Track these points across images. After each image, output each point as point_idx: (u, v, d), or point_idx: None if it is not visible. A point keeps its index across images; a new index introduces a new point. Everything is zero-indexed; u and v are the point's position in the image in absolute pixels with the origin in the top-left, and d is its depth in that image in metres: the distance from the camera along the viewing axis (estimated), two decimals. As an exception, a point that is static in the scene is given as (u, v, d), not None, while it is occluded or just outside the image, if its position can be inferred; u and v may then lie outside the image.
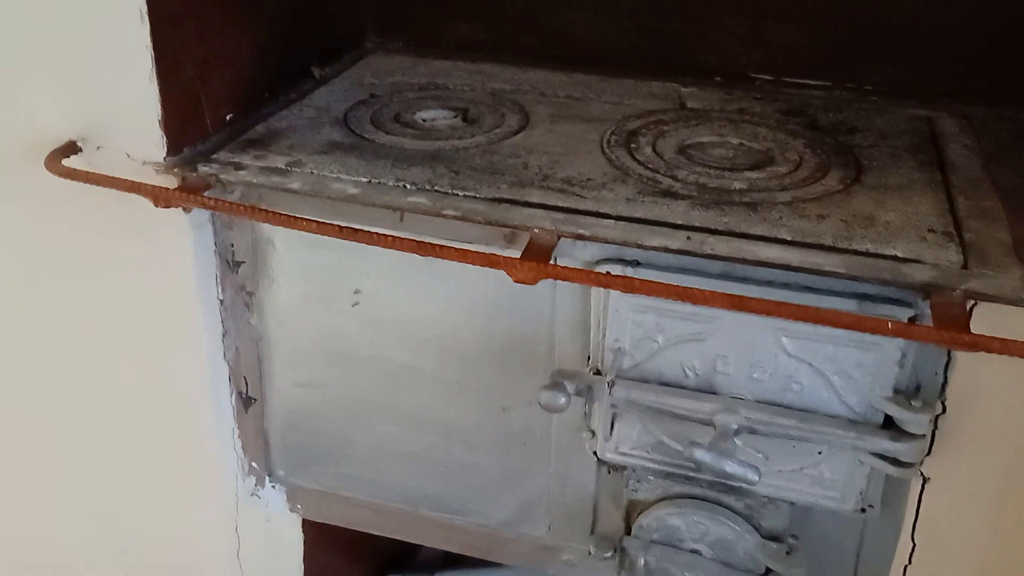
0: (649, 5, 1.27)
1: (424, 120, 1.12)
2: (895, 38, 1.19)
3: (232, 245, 1.04)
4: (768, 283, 0.85)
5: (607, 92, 1.22)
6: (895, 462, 0.85)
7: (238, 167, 0.98)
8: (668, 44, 1.28)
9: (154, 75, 0.93)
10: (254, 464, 1.16)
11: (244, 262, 1.04)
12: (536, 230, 0.88)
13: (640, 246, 0.86)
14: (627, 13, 1.28)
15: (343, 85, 1.22)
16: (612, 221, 0.89)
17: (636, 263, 0.89)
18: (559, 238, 0.87)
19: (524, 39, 1.34)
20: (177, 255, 1.02)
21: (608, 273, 0.87)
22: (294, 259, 1.02)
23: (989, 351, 0.70)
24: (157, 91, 0.93)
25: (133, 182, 0.93)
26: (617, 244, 0.87)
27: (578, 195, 0.93)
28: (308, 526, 1.21)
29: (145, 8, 0.90)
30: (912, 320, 0.81)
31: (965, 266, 0.81)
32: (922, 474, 0.87)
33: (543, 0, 1.31)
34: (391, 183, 0.95)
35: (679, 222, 0.88)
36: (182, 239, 1.01)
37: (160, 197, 0.91)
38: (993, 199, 0.93)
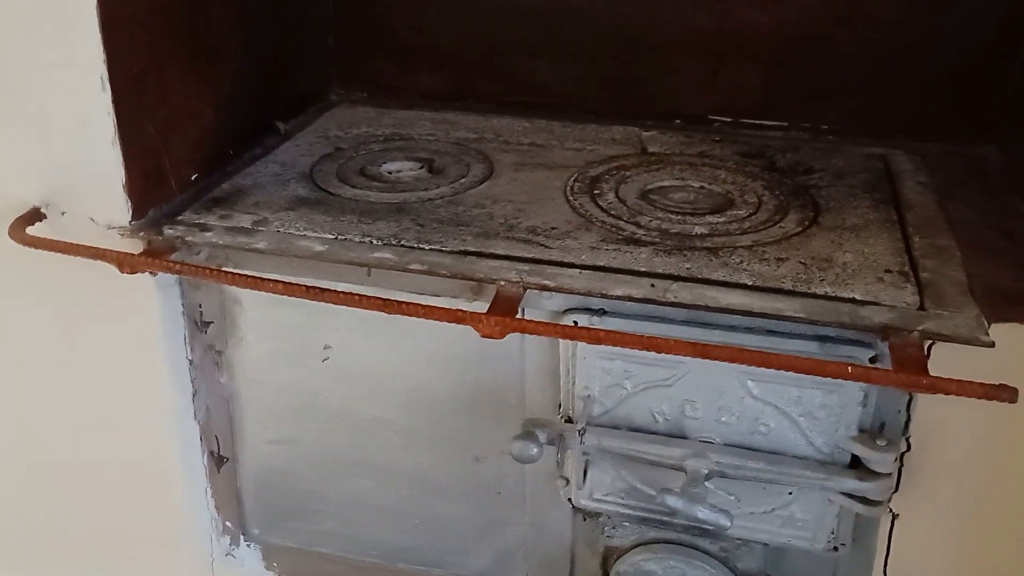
0: (609, 51, 1.29)
1: (390, 172, 1.13)
2: (848, 78, 1.22)
3: (200, 305, 1.03)
4: (732, 327, 0.86)
5: (569, 138, 1.24)
6: (864, 500, 0.86)
7: (203, 228, 0.98)
8: (628, 89, 1.31)
9: (117, 140, 0.93)
10: (228, 523, 1.14)
11: (212, 322, 1.04)
12: (502, 283, 0.89)
13: (605, 296, 0.87)
14: (588, 59, 1.31)
15: (308, 139, 1.23)
16: (577, 271, 0.90)
17: (602, 311, 0.90)
18: (525, 290, 0.88)
19: (487, 86, 1.36)
20: (144, 317, 1.02)
21: (575, 324, 0.88)
22: (262, 317, 1.02)
23: (947, 393, 0.71)
24: (120, 156, 0.94)
25: (98, 249, 0.93)
26: (582, 295, 0.88)
27: (543, 244, 0.95)
28: (284, 583, 1.19)
29: (106, 74, 0.90)
30: (873, 360, 0.83)
31: (922, 307, 0.82)
32: (891, 511, 0.88)
33: (505, 47, 1.33)
34: (357, 239, 0.96)
35: (643, 269, 0.90)
36: (149, 301, 1.01)
37: (125, 263, 0.91)
38: (948, 237, 0.95)
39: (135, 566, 1.20)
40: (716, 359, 0.78)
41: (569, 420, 0.94)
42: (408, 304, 0.84)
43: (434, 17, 1.34)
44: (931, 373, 0.74)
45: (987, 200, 1.05)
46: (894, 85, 1.21)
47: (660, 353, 0.86)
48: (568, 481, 0.98)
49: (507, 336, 0.88)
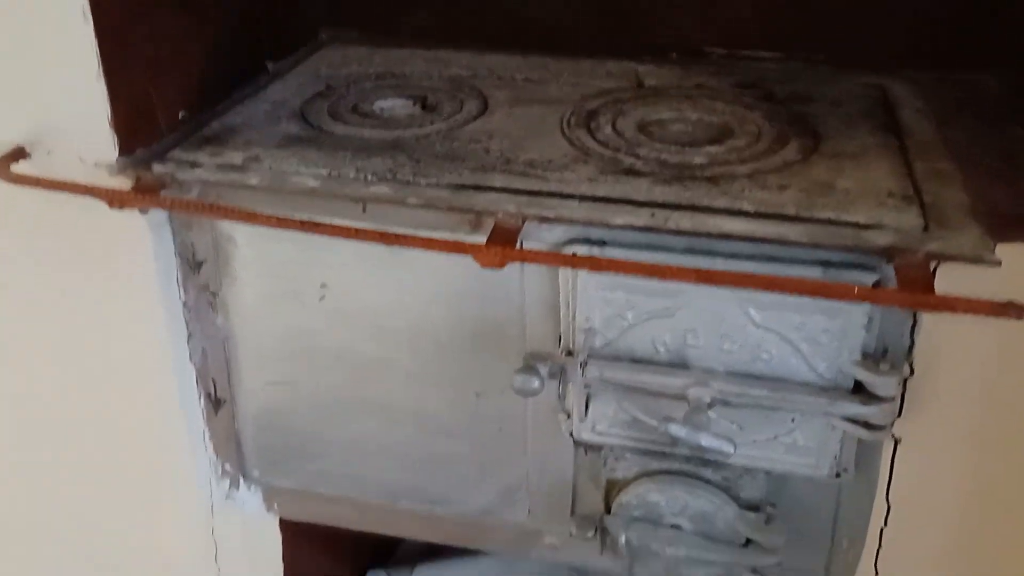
0: (603, -15, 1.27)
1: (382, 110, 1.11)
2: (844, 7, 1.20)
3: (192, 245, 1.02)
4: (733, 256, 0.85)
5: (565, 74, 1.21)
6: (866, 425, 0.86)
7: (194, 165, 0.96)
8: (624, 23, 1.28)
9: (101, 75, 0.91)
10: (227, 466, 1.14)
11: (205, 261, 1.02)
12: (501, 214, 0.87)
13: (605, 225, 0.86)
14: (581, -8, 1.28)
15: (298, 78, 1.21)
16: (576, 202, 0.89)
17: (602, 243, 0.89)
18: (524, 221, 0.87)
19: (480, 24, 1.32)
20: (136, 258, 1.00)
21: (575, 254, 0.87)
22: (257, 256, 1.01)
23: (954, 311, 0.71)
24: (105, 91, 0.91)
25: (86, 185, 0.91)
26: (582, 224, 0.87)
27: (541, 177, 0.93)
28: (286, 526, 1.19)
29: (88, 7, 0.88)
30: (876, 284, 0.82)
31: (926, 228, 0.81)
32: (893, 436, 0.88)
33: (497, -16, 1.30)
34: (352, 174, 0.94)
35: (642, 199, 0.88)
36: (140, 241, 0.99)
37: (115, 199, 0.89)
38: (948, 161, 0.94)
39: (134, 512, 1.20)
40: (719, 284, 0.78)
41: (570, 353, 0.94)
42: (406, 236, 0.83)
43: (424, -47, 1.31)
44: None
45: (985, 126, 1.04)
46: (890, 14, 1.19)
47: (662, 280, 0.85)
48: (570, 415, 0.97)
49: (507, 270, 0.88)
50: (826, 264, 0.83)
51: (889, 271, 0.80)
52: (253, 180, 0.93)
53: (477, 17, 1.33)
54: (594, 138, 1.01)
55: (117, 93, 0.92)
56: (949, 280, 0.78)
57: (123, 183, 0.94)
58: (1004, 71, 1.14)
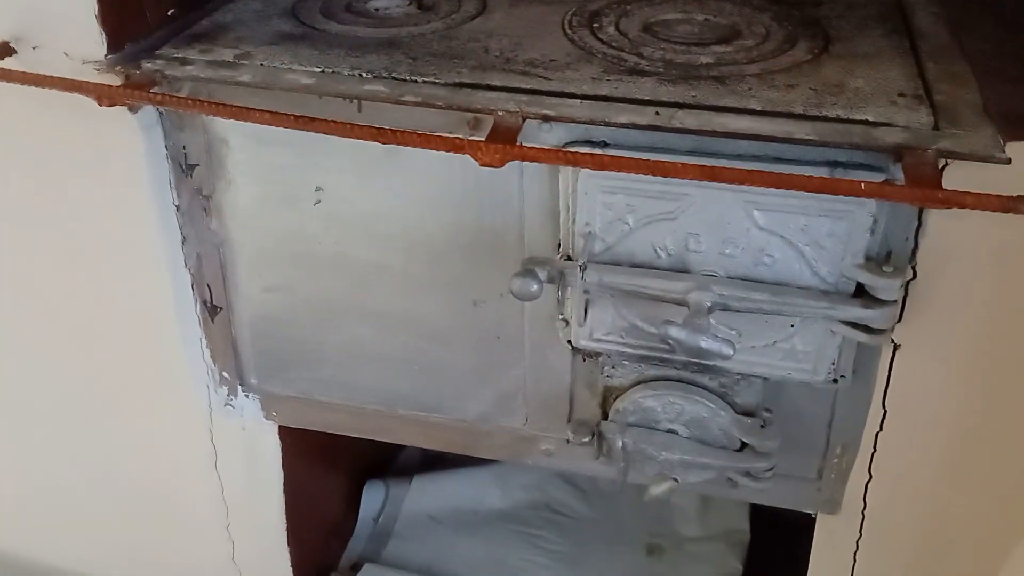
0: None
1: (377, 9, 1.07)
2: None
3: (184, 147, 0.99)
4: (739, 156, 0.84)
5: (567, -26, 1.17)
6: (867, 329, 0.85)
7: (184, 62, 0.93)
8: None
9: (85, -35, 0.87)
10: (225, 374, 1.14)
11: (198, 164, 1.00)
12: (500, 113, 0.85)
13: (607, 124, 0.83)
14: None
15: (290, -23, 1.16)
16: (578, 101, 0.86)
17: (604, 143, 0.87)
18: (524, 120, 0.85)
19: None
20: (126, 159, 0.98)
21: (576, 152, 0.85)
22: (251, 158, 0.99)
23: (963, 206, 0.69)
24: (91, -17, 0.88)
25: (73, 81, 0.88)
26: (584, 123, 0.85)
27: (542, 76, 0.90)
28: (285, 433, 1.20)
29: None
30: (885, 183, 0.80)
31: (936, 127, 0.79)
32: (893, 341, 0.88)
33: None
34: (346, 72, 0.91)
35: (646, 98, 0.86)
36: (131, 142, 0.97)
37: (104, 95, 0.86)
38: (962, 63, 0.91)
39: (134, 420, 1.21)
40: (725, 181, 0.76)
41: (569, 258, 0.93)
42: (403, 133, 0.81)
43: None
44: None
45: (1001, 32, 1.01)
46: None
47: (665, 181, 0.84)
48: (568, 322, 0.97)
49: (506, 172, 0.86)
50: (833, 164, 0.81)
51: (898, 171, 0.78)
52: (245, 77, 0.90)
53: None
54: (597, 38, 0.98)
55: (103, -14, 0.89)
56: (958, 179, 0.76)
57: (112, 80, 0.91)
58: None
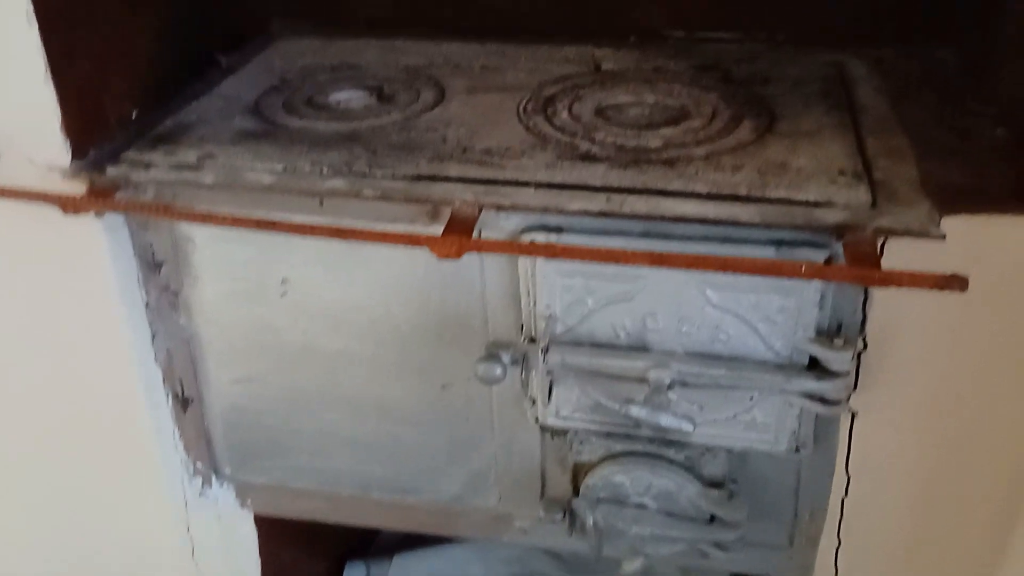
0: (559, -31, 1.26)
1: (338, 102, 1.10)
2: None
3: (151, 245, 1.01)
4: (688, 238, 0.86)
5: (522, 60, 1.21)
6: (823, 400, 0.87)
7: (148, 165, 0.95)
8: (581, 6, 1.28)
9: (48, 77, 0.89)
10: (199, 464, 1.14)
11: (165, 262, 1.02)
12: (457, 203, 0.88)
13: (561, 211, 0.86)
14: (538, -23, 1.28)
15: (252, 72, 1.20)
16: (532, 189, 0.89)
17: (559, 229, 0.89)
18: (480, 210, 0.87)
19: (436, 11, 1.32)
20: (94, 261, 1.00)
21: (531, 242, 0.87)
22: (216, 254, 1.01)
23: (899, 285, 0.72)
24: (54, 93, 0.90)
25: (38, 192, 0.90)
26: (539, 212, 0.87)
27: (498, 165, 0.93)
28: (261, 521, 1.20)
29: (31, 9, 0.87)
30: (827, 261, 0.83)
31: (875, 204, 0.82)
32: (850, 410, 0.90)
33: (452, -31, 1.29)
34: (307, 168, 0.94)
35: (598, 184, 0.89)
36: (98, 245, 0.98)
37: (68, 204, 0.88)
38: (901, 137, 0.95)
39: (110, 514, 1.20)
40: (674, 266, 0.79)
41: (532, 340, 0.94)
42: (362, 231, 0.83)
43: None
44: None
45: (942, 101, 1.05)
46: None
47: (618, 264, 0.86)
48: (535, 401, 0.98)
49: (466, 260, 0.88)
50: (779, 243, 0.84)
51: (839, 248, 0.81)
52: (208, 178, 0.93)
53: (433, 4, 1.32)
54: (551, 124, 1.02)
55: (66, 96, 0.91)
56: (899, 254, 0.79)
57: (77, 187, 0.93)
58: (964, 46, 1.15)
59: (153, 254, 1.02)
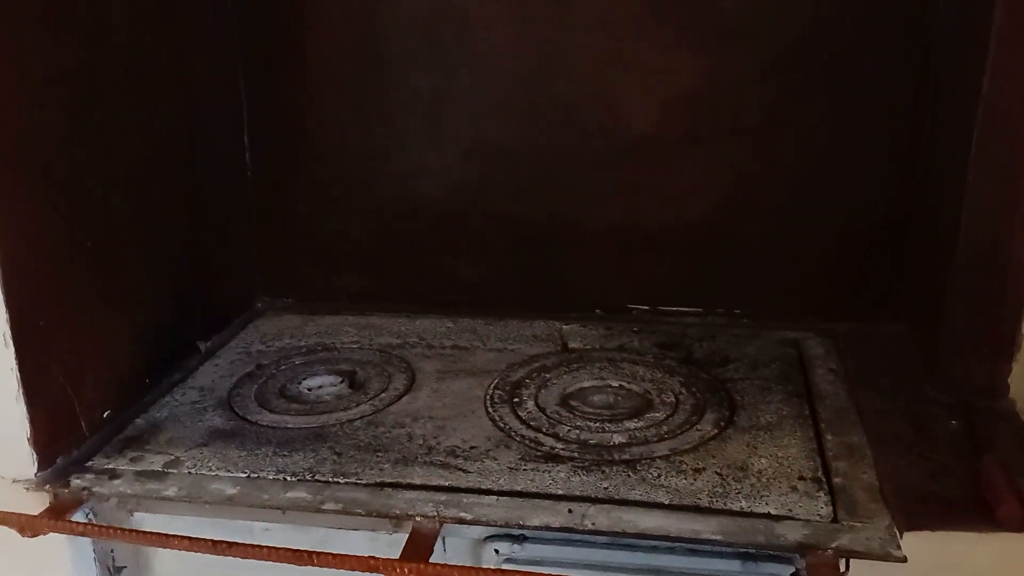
0: (527, 246, 1.33)
1: (310, 390, 1.13)
2: (755, 265, 1.26)
3: (112, 551, 1.00)
4: (654, 548, 0.85)
5: (492, 337, 1.25)
6: None
7: (113, 475, 0.95)
8: (548, 283, 1.34)
9: (21, 396, 0.91)
10: None
11: (126, 567, 1.00)
12: (419, 518, 0.87)
13: (522, 526, 0.86)
14: (507, 255, 1.34)
15: (230, 356, 1.23)
16: (494, 498, 0.89)
17: (523, 537, 0.88)
18: (442, 525, 0.87)
19: (411, 287, 1.38)
20: (54, 567, 0.97)
21: (496, 552, 0.87)
22: (177, 559, 0.98)
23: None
24: (25, 411, 0.92)
25: (-1, 511, 0.90)
26: (499, 526, 0.87)
27: (461, 469, 0.94)
28: None
29: (9, 332, 0.90)
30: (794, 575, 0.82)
31: (835, 518, 0.82)
32: None
33: (427, 248, 1.36)
34: (271, 475, 0.94)
35: (560, 492, 0.89)
36: (58, 552, 0.96)
37: (26, 527, 0.87)
38: (858, 432, 0.97)
39: None
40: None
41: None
42: (319, 554, 0.82)
43: (354, 219, 1.37)
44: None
45: (896, 385, 1.08)
46: (799, 269, 1.26)
47: (581, 586, 0.84)
48: None
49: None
50: (745, 556, 0.83)
51: (803, 563, 0.80)
52: (171, 491, 0.92)
53: (409, 280, 1.38)
54: (517, 416, 1.03)
55: (37, 411, 0.93)
56: (863, 566, 0.78)
57: (39, 500, 0.93)
58: (913, 321, 1.19)
59: (114, 559, 1.00)
